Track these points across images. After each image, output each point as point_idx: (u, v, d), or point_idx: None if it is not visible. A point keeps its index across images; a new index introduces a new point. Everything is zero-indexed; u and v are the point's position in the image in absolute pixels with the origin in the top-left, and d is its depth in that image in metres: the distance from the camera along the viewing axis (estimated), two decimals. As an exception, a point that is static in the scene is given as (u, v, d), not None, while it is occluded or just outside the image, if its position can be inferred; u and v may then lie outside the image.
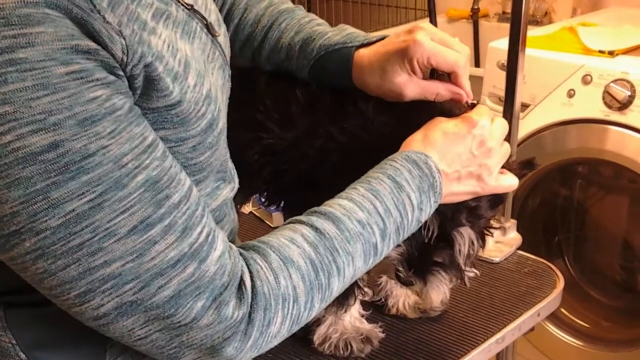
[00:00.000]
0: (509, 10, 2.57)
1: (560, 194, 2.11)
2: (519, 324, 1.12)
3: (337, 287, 0.76)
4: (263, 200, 1.11)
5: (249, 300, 0.69)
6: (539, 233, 2.12)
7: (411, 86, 0.91)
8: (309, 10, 1.05)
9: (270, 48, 1.01)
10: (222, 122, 0.81)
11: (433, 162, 0.84)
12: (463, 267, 0.94)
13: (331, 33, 0.98)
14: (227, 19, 1.04)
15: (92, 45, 0.61)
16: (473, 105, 0.92)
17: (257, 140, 0.99)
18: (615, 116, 1.75)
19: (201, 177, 0.79)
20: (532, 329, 1.17)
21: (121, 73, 0.64)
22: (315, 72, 0.97)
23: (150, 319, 0.65)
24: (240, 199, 1.20)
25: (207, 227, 0.69)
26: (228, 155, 0.88)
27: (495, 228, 1.04)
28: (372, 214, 0.79)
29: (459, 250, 0.92)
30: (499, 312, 1.14)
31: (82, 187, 0.60)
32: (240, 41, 1.03)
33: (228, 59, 0.89)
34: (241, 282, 0.69)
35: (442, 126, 0.87)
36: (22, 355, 0.74)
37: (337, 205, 0.78)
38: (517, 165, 0.96)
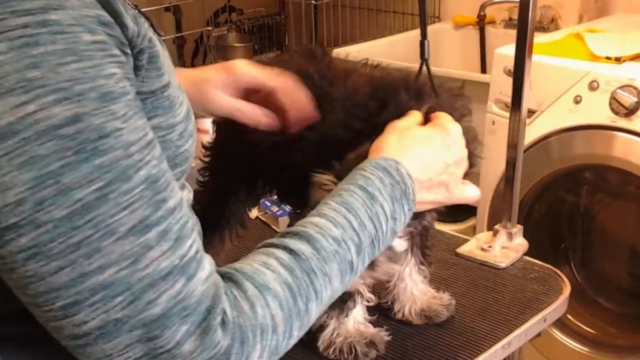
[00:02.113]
0: (515, 16, 2.55)
1: (567, 200, 2.11)
2: (525, 330, 1.12)
3: (315, 311, 0.72)
4: (275, 199, 1.13)
5: (231, 332, 0.64)
6: (545, 239, 2.12)
7: None
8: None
9: None
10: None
11: (404, 168, 0.82)
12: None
13: None
14: None
15: (110, 19, 0.61)
16: (431, 108, 0.91)
17: (267, 135, 1.00)
18: (622, 122, 1.75)
19: (185, 169, 0.77)
20: (538, 335, 1.17)
21: (129, 51, 0.63)
22: None
23: (133, 342, 0.61)
24: (250, 202, 1.21)
25: (196, 242, 0.66)
26: None
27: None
28: (347, 229, 0.76)
29: None
30: (505, 317, 1.14)
31: (93, 173, 0.58)
32: None
33: None
34: (224, 311, 0.65)
35: (413, 132, 0.86)
36: None
37: (310, 223, 0.75)
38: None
